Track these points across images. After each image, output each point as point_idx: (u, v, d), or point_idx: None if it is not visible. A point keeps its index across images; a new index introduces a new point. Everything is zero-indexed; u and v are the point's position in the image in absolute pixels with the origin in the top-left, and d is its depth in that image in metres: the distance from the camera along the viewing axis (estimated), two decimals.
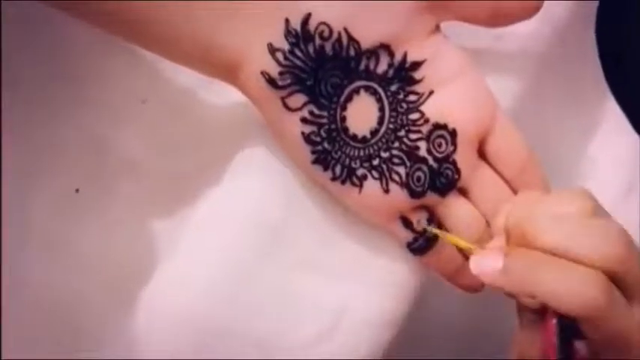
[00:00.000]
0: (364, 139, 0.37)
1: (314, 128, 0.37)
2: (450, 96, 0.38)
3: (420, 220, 0.39)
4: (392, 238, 0.40)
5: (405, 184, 0.38)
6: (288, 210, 0.40)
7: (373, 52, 0.36)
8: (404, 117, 0.37)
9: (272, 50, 0.35)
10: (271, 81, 0.36)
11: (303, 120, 0.36)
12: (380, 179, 0.38)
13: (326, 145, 0.37)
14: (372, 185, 0.38)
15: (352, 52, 0.36)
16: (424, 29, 0.37)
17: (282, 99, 0.36)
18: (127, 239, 0.42)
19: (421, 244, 0.39)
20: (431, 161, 0.38)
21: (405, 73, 0.37)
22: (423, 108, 0.38)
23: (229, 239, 0.40)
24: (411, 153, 0.38)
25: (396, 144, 0.38)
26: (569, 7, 0.43)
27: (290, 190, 0.40)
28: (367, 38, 0.36)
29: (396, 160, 0.38)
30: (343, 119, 0.37)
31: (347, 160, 0.37)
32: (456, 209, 0.39)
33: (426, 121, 0.38)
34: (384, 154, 0.38)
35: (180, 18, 0.35)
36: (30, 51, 0.42)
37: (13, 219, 0.41)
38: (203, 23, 0.35)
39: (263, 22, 0.35)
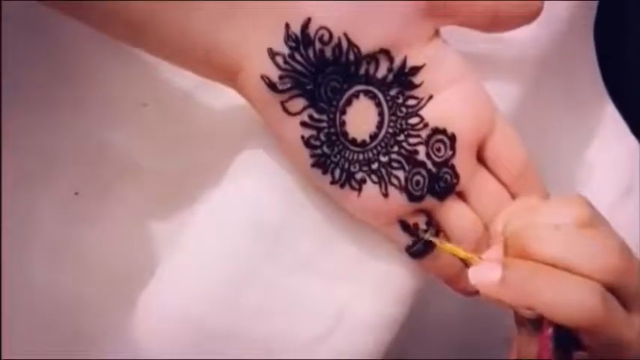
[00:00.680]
0: (363, 143, 0.37)
1: (313, 132, 0.37)
2: (449, 100, 0.38)
3: (418, 223, 0.39)
4: (391, 241, 0.40)
5: (404, 188, 0.38)
6: (287, 213, 0.40)
7: (373, 57, 0.36)
8: (403, 121, 0.38)
9: (272, 54, 0.35)
10: (271, 85, 0.36)
11: (303, 124, 0.36)
12: (379, 183, 0.38)
13: (325, 148, 0.37)
14: (371, 189, 0.38)
15: (352, 57, 0.36)
16: (424, 34, 0.37)
17: (282, 103, 0.36)
18: (127, 241, 0.42)
19: (420, 248, 0.39)
20: (430, 165, 0.38)
21: (404, 78, 0.37)
22: (422, 112, 0.38)
23: (229, 241, 0.40)
24: (410, 157, 0.38)
25: (395, 148, 0.38)
26: (568, 11, 0.43)
27: (289, 193, 0.40)
28: (367, 43, 0.36)
29: (395, 165, 0.38)
30: (343, 123, 0.37)
31: (346, 164, 0.37)
32: (454, 213, 0.39)
33: (425, 125, 0.38)
34: (383, 158, 0.38)
35: (180, 20, 0.35)
36: (30, 54, 0.42)
37: (14, 221, 0.41)
38: (203, 26, 0.35)
39: (263, 26, 0.35)
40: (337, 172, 0.38)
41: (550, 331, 0.34)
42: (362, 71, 0.36)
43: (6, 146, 0.41)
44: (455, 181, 0.39)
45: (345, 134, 0.37)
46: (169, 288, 0.40)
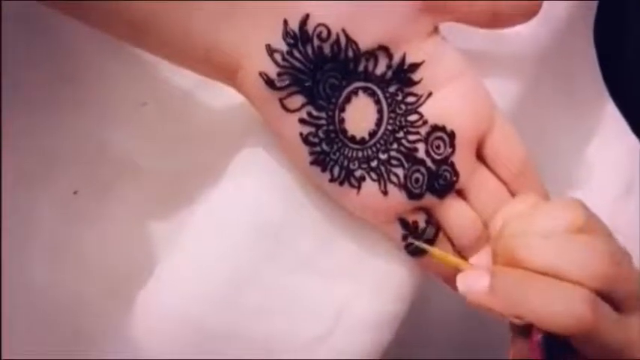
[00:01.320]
0: (362, 141, 0.37)
1: (312, 129, 0.37)
2: (448, 98, 0.38)
3: (417, 220, 0.39)
4: (390, 239, 0.40)
5: (403, 186, 0.38)
6: (286, 211, 0.40)
7: (372, 54, 0.36)
8: (402, 118, 0.38)
9: (270, 51, 0.35)
10: (270, 82, 0.36)
11: (302, 121, 0.36)
12: (378, 181, 0.38)
13: (324, 146, 0.37)
14: (370, 186, 0.38)
15: (350, 54, 0.36)
16: (423, 31, 0.37)
17: (281, 100, 0.36)
18: (126, 241, 0.43)
19: (418, 247, 0.39)
20: (429, 163, 0.38)
21: (403, 75, 0.37)
22: (421, 110, 0.38)
23: (228, 241, 0.40)
24: (410, 155, 0.38)
25: (395, 145, 0.38)
26: (568, 9, 0.43)
27: (289, 192, 0.40)
28: (366, 40, 0.36)
29: (394, 162, 0.38)
30: (342, 120, 0.37)
31: (345, 162, 0.37)
32: (454, 211, 0.39)
33: (425, 122, 0.38)
34: (383, 156, 0.38)
35: (181, 20, 0.36)
36: (30, 54, 0.42)
37: (14, 221, 0.41)
38: (203, 26, 0.36)
39: (261, 23, 0.35)
40: (336, 170, 0.38)
41: (539, 337, 0.34)
42: (361, 68, 0.36)
43: (6, 146, 0.41)
44: (454, 178, 0.38)
45: (344, 131, 0.37)
46: (168, 288, 0.40)
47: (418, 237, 0.39)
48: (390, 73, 0.37)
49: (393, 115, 0.37)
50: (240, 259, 0.40)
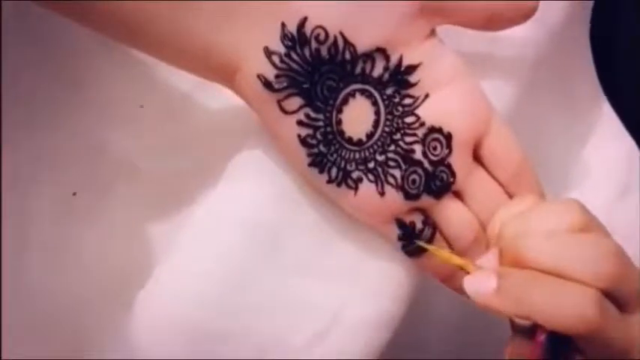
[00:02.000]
0: (360, 142, 0.37)
1: (310, 131, 0.37)
2: (445, 99, 0.38)
3: (414, 221, 0.39)
4: (387, 240, 0.40)
5: (400, 187, 0.38)
6: (284, 212, 0.40)
7: (369, 56, 0.36)
8: (399, 120, 0.38)
9: (268, 53, 0.36)
10: (267, 84, 0.36)
11: (299, 123, 0.37)
12: (375, 182, 0.38)
13: (322, 147, 0.37)
14: (367, 188, 0.38)
15: (348, 56, 0.36)
16: (420, 33, 0.37)
17: (279, 102, 0.36)
18: (124, 242, 0.43)
19: (416, 247, 0.39)
20: (426, 164, 0.38)
21: (400, 77, 0.37)
22: (418, 111, 0.38)
23: (226, 242, 0.40)
24: (407, 156, 0.38)
25: (392, 147, 0.38)
26: (564, 11, 0.43)
27: (286, 193, 0.40)
28: (363, 42, 0.36)
29: (391, 163, 0.38)
30: (339, 122, 0.37)
31: (342, 163, 0.38)
32: (450, 212, 0.39)
33: (422, 124, 0.38)
34: (380, 157, 0.38)
35: (179, 22, 0.36)
36: (30, 55, 0.42)
37: (12, 222, 0.41)
38: (200, 26, 0.36)
39: (259, 25, 0.36)
40: (334, 171, 0.38)
41: (543, 337, 0.34)
42: (358, 70, 0.37)
43: (6, 146, 0.41)
44: (451, 179, 0.39)
45: (342, 133, 0.37)
46: (167, 288, 0.40)
47: (415, 238, 0.39)
48: (387, 75, 0.37)
49: (390, 116, 0.38)
50: (239, 260, 0.40)
